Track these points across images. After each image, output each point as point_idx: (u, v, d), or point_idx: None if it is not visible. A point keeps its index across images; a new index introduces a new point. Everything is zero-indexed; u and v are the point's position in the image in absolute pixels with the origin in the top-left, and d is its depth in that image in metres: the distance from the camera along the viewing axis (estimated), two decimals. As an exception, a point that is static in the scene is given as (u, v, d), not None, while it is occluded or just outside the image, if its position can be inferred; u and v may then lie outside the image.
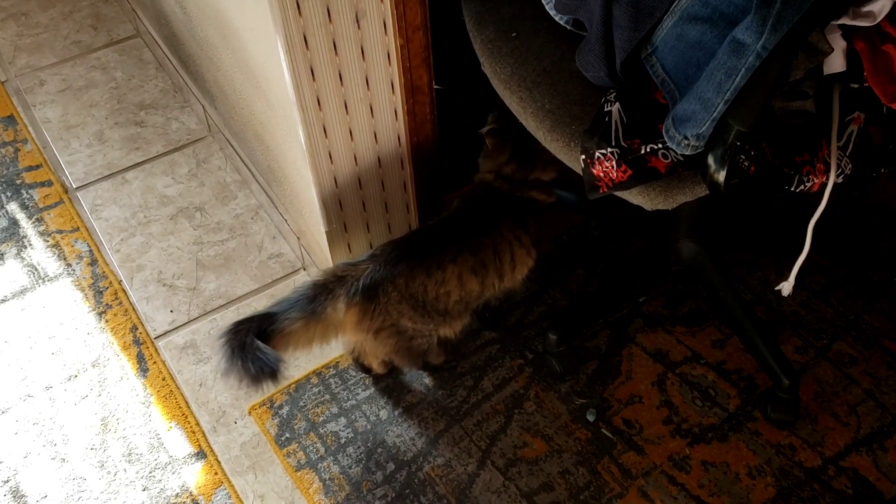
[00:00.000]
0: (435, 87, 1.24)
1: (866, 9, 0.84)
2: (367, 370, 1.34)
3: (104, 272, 1.53)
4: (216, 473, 1.26)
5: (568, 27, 1.08)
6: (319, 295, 1.13)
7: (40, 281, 1.52)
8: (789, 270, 1.03)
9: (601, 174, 0.96)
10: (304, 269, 1.52)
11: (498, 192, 1.25)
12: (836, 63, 0.89)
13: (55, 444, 1.30)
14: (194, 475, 1.26)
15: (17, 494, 1.24)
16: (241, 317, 1.14)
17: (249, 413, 1.32)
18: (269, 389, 1.15)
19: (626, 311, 1.42)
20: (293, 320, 1.11)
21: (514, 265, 1.23)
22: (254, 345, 1.08)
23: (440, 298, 1.18)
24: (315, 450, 1.27)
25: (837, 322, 1.39)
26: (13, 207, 1.65)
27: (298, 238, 1.49)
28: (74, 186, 1.68)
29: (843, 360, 1.34)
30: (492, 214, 1.22)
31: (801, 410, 1.28)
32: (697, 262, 1.33)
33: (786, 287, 1.05)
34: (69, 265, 1.54)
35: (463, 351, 1.38)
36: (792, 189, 0.95)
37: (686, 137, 0.89)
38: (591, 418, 1.29)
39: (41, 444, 1.30)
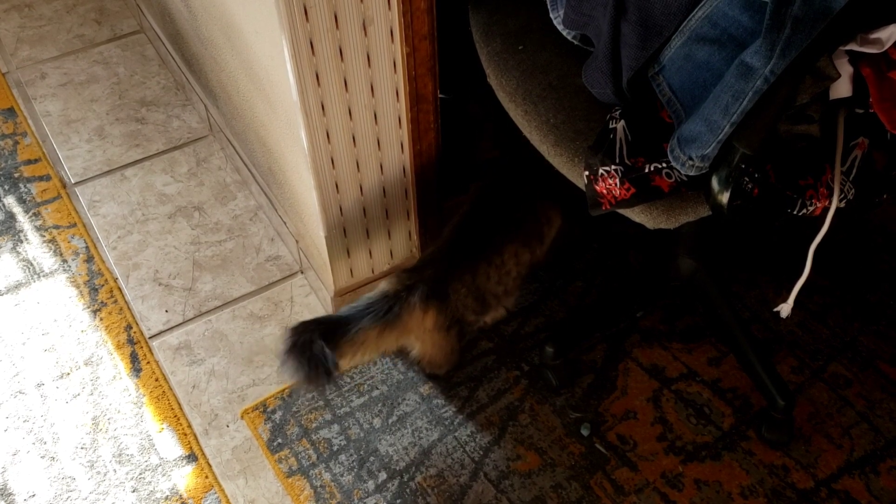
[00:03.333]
0: (440, 95, 1.23)
1: (874, 35, 0.84)
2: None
3: (100, 269, 1.52)
4: (207, 477, 1.25)
5: (575, 42, 1.07)
6: (393, 305, 1.16)
7: (35, 276, 1.51)
8: (787, 290, 1.03)
9: (604, 191, 0.96)
10: (302, 273, 1.52)
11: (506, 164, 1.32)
12: (842, 88, 0.89)
13: (45, 443, 1.29)
14: (184, 478, 1.25)
15: (4, 492, 1.23)
16: (293, 321, 1.16)
17: (242, 417, 1.31)
18: (315, 389, 1.18)
19: (623, 325, 1.42)
20: (367, 329, 1.14)
21: (549, 224, 1.31)
22: (317, 344, 1.10)
23: (502, 281, 1.25)
24: (307, 456, 1.27)
25: (833, 343, 1.39)
26: (10, 201, 1.64)
27: (297, 241, 1.49)
28: (73, 182, 1.67)
29: (838, 381, 1.34)
30: (516, 186, 1.29)
31: (794, 431, 1.28)
32: (696, 279, 1.33)
33: (784, 309, 1.05)
34: (65, 261, 1.54)
35: (459, 361, 1.38)
36: (794, 212, 0.95)
37: (691, 158, 0.88)
38: (585, 433, 1.28)
39: (31, 442, 1.29)
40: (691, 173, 0.90)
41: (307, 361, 1.10)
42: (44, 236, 1.58)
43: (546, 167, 1.29)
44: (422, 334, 1.22)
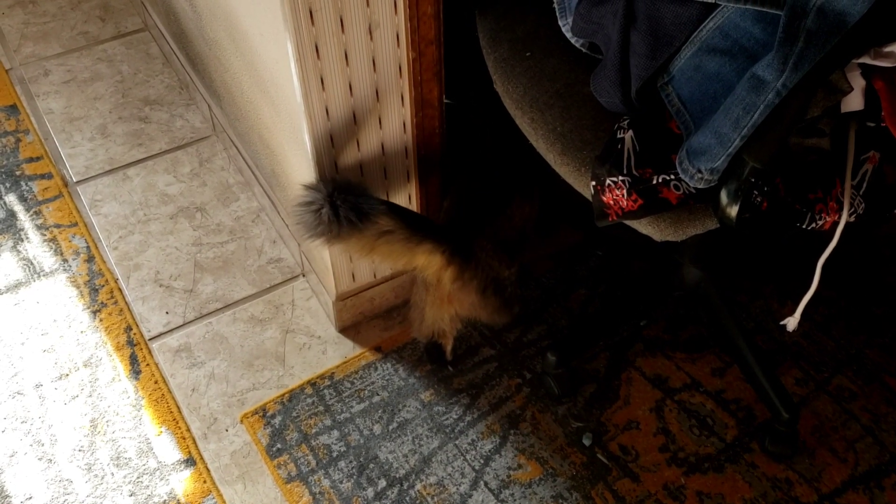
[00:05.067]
0: (445, 101, 1.22)
1: (887, 49, 0.82)
2: (437, 357, 1.35)
3: (101, 269, 1.51)
4: (205, 482, 1.24)
5: (583, 50, 1.06)
6: (425, 231, 1.09)
7: (35, 276, 1.50)
8: (792, 300, 1.02)
9: (611, 202, 0.95)
10: (304, 276, 1.51)
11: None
12: (853, 102, 0.88)
13: (42, 445, 1.28)
14: (182, 482, 1.24)
15: (1, 494, 1.23)
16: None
17: (241, 421, 1.31)
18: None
19: (626, 334, 1.41)
20: (395, 222, 1.05)
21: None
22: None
23: (514, 226, 1.20)
24: (306, 462, 1.26)
25: (838, 355, 1.38)
26: (11, 199, 1.63)
27: (299, 244, 1.48)
28: (74, 180, 1.66)
29: (843, 394, 1.33)
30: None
31: (798, 444, 1.27)
32: (701, 289, 1.32)
33: (791, 322, 1.04)
34: (65, 261, 1.53)
35: (460, 367, 1.37)
36: (803, 226, 0.94)
37: (700, 171, 0.87)
38: (587, 442, 1.27)
39: (28, 444, 1.28)
40: (700, 186, 0.89)
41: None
42: (44, 235, 1.57)
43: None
44: (454, 294, 1.16)
